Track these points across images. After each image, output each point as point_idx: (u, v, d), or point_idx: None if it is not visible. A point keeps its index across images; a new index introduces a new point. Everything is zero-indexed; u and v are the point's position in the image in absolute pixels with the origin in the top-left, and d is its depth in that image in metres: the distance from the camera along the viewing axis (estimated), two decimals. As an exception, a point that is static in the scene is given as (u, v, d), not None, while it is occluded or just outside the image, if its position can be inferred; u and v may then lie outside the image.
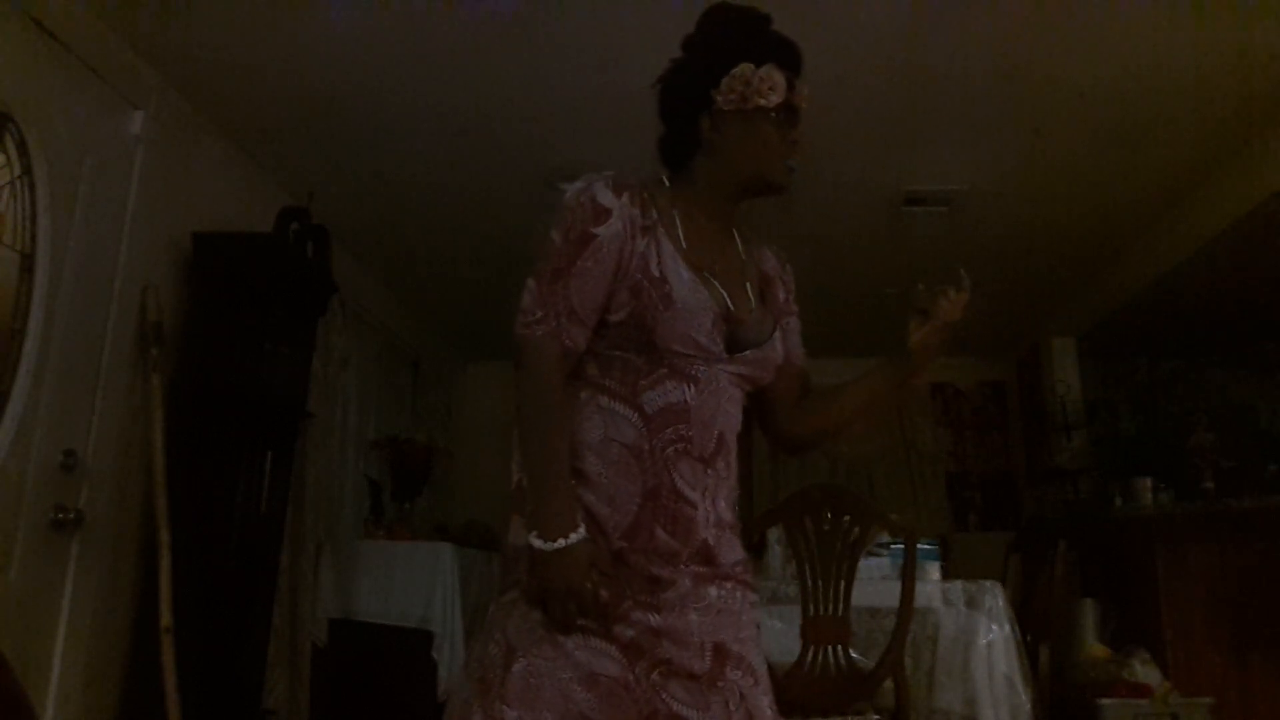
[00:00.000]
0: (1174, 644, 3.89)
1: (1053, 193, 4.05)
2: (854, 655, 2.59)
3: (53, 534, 2.67)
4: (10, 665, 1.84)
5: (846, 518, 2.62)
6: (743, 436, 1.47)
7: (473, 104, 3.33)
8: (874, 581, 3.09)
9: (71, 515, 2.70)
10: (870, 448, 6.53)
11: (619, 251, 1.35)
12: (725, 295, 1.41)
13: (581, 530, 1.27)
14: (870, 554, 3.16)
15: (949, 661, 2.95)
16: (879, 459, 6.54)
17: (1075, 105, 3.32)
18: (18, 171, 2.60)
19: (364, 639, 3.95)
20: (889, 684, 2.56)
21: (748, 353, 1.41)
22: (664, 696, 1.28)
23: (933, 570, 3.22)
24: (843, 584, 2.59)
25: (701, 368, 1.37)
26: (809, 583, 2.62)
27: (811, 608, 2.60)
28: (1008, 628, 2.97)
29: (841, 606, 2.58)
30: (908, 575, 2.62)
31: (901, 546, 2.78)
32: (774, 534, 3.41)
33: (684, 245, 1.40)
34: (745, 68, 1.42)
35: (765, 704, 1.35)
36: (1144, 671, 3.78)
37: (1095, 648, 4.06)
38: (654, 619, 1.30)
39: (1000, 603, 3.00)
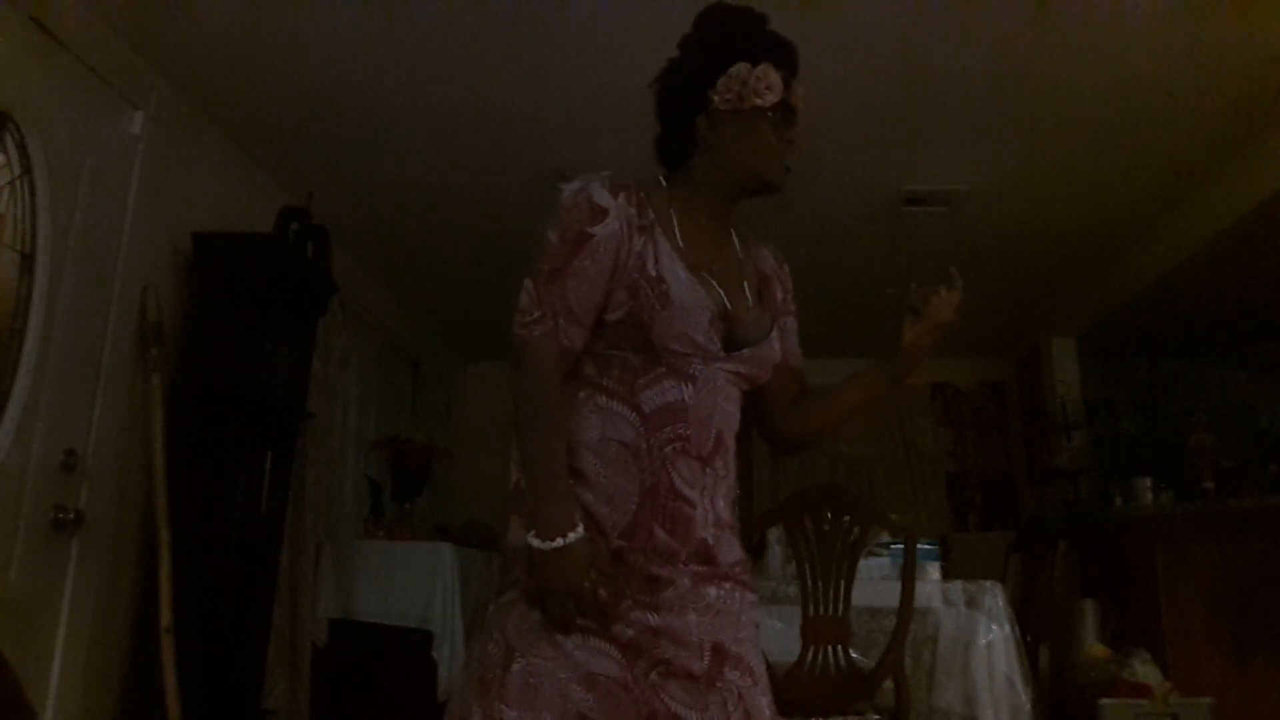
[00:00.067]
0: (1174, 644, 3.90)
1: (1053, 193, 4.05)
2: (854, 655, 2.59)
3: (53, 534, 2.67)
4: (10, 665, 1.84)
5: (846, 518, 2.62)
6: (743, 436, 1.47)
7: (473, 104, 3.33)
8: (874, 581, 3.09)
9: (71, 515, 2.70)
10: (870, 448, 6.53)
11: (616, 251, 1.36)
12: (722, 294, 1.41)
13: (580, 530, 1.27)
14: (870, 554, 3.16)
15: (949, 661, 2.95)
16: (879, 459, 6.54)
17: (1075, 105, 3.32)
18: (18, 171, 2.60)
19: (364, 639, 3.95)
20: (889, 684, 2.56)
21: (745, 351, 1.41)
22: (662, 696, 1.28)
23: (933, 570, 3.22)
24: (843, 584, 2.59)
25: (699, 366, 1.37)
26: (809, 583, 2.62)
27: (811, 608, 2.60)
28: (1008, 628, 2.97)
29: (841, 606, 2.58)
30: (908, 575, 2.62)
31: (901, 546, 2.78)
32: (774, 534, 3.41)
33: (681, 245, 1.40)
34: (742, 67, 1.42)
35: (763, 704, 1.35)
36: (1144, 671, 3.78)
37: (1095, 648, 4.06)
38: (653, 618, 1.30)
39: (1000, 603, 3.00)
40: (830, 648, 2.57)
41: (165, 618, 2.80)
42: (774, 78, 1.43)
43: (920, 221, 4.29)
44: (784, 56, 1.46)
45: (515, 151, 3.67)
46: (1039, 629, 3.26)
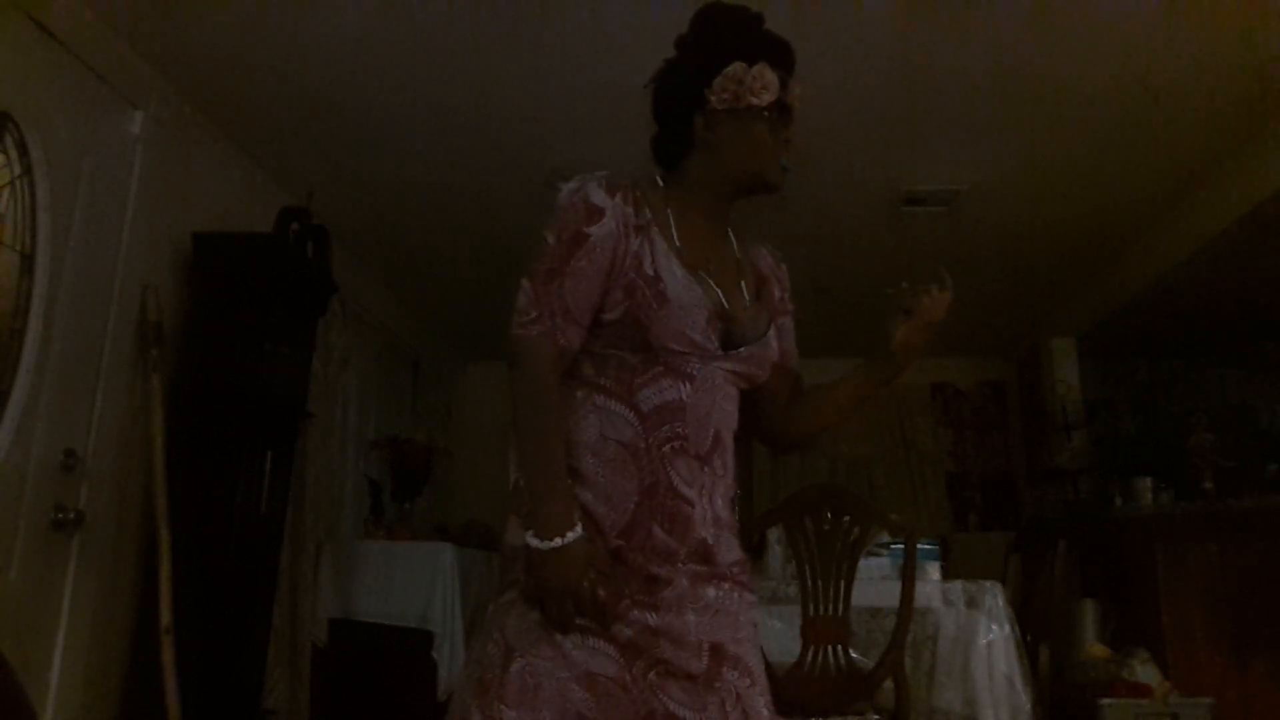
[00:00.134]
0: (1174, 644, 3.90)
1: (1053, 193, 4.05)
2: (854, 655, 2.59)
3: (53, 534, 2.67)
4: (10, 665, 1.84)
5: (846, 518, 2.62)
6: (742, 436, 1.47)
7: (472, 104, 3.33)
8: (874, 581, 3.09)
9: (71, 515, 2.70)
10: (870, 448, 6.53)
11: (613, 251, 1.36)
12: (719, 293, 1.41)
13: (578, 529, 1.27)
14: (870, 554, 3.16)
15: (949, 661, 2.95)
16: (879, 459, 6.54)
17: (1075, 105, 3.32)
18: (18, 171, 2.60)
19: (364, 639, 3.95)
20: (889, 684, 2.56)
21: (743, 350, 1.42)
22: (661, 697, 1.28)
23: (933, 570, 3.22)
24: (843, 584, 2.59)
25: (697, 365, 1.37)
26: (809, 583, 2.62)
27: (811, 608, 2.60)
28: (1008, 628, 2.97)
29: (841, 606, 2.58)
30: (908, 575, 2.62)
31: (901, 546, 2.78)
32: (774, 534, 3.41)
33: (678, 244, 1.40)
34: (738, 66, 1.42)
35: (761, 704, 1.35)
36: (1144, 671, 3.78)
37: (1095, 648, 4.06)
38: (652, 618, 1.30)
39: (1000, 603, 3.00)
40: (830, 648, 2.57)
41: (165, 618, 2.80)
42: (770, 77, 1.43)
43: (920, 221, 4.29)
44: (780, 56, 1.46)
45: (515, 151, 3.67)
46: (1039, 629, 3.26)
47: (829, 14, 2.78)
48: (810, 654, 2.57)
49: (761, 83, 1.42)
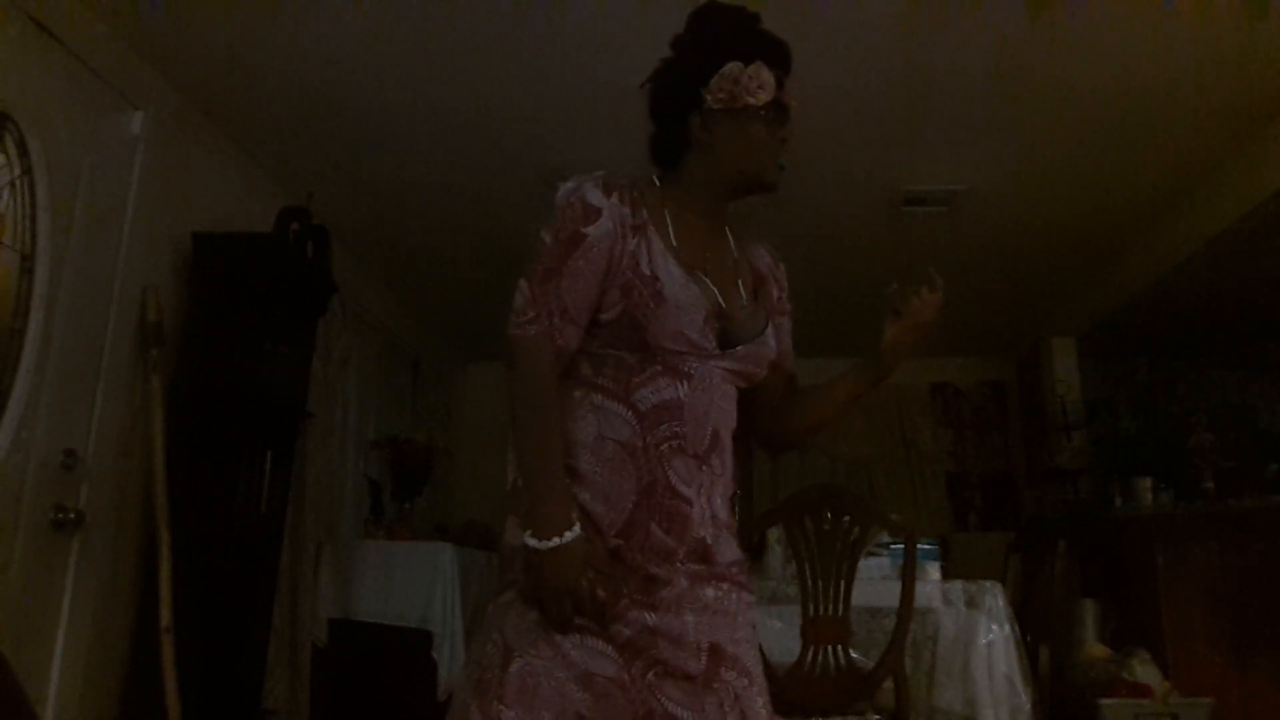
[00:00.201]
0: (1174, 644, 3.90)
1: (1053, 193, 4.05)
2: (854, 655, 2.58)
3: (53, 534, 2.67)
4: (10, 665, 1.84)
5: (846, 518, 2.62)
6: (742, 436, 1.47)
7: (472, 103, 3.33)
8: (874, 581, 3.09)
9: (71, 515, 2.70)
10: (870, 448, 6.53)
11: (610, 250, 1.36)
12: (716, 292, 1.41)
13: (576, 529, 1.28)
14: (870, 554, 3.16)
15: (949, 661, 2.95)
16: (879, 459, 6.54)
17: (1075, 105, 3.32)
18: (18, 171, 2.60)
19: (364, 639, 3.95)
20: (889, 684, 2.56)
21: (740, 348, 1.42)
22: (659, 697, 1.29)
23: (933, 570, 3.22)
24: (843, 584, 2.59)
25: (694, 364, 1.38)
26: (809, 583, 2.62)
27: (811, 608, 2.60)
28: (1008, 628, 2.97)
29: (841, 606, 2.58)
30: (908, 575, 2.62)
31: (901, 546, 2.78)
32: (774, 534, 3.41)
33: (675, 244, 1.41)
34: (734, 66, 1.42)
35: (759, 705, 1.35)
36: (1144, 671, 3.78)
37: (1095, 648, 4.06)
38: (650, 618, 1.30)
39: (1000, 603, 3.00)
40: (830, 648, 2.57)
41: (165, 618, 2.80)
42: (766, 76, 1.43)
43: (920, 221, 4.29)
44: (776, 55, 1.46)
45: (515, 151, 3.67)
46: (1039, 629, 3.26)
47: (829, 14, 2.78)
48: (810, 654, 2.57)
49: (758, 82, 1.42)
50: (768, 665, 2.36)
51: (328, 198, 3.73)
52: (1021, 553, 3.90)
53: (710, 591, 1.35)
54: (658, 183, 1.48)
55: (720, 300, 1.41)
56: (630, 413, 1.35)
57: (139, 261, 3.04)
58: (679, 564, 1.34)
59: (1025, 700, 2.90)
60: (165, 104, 3.15)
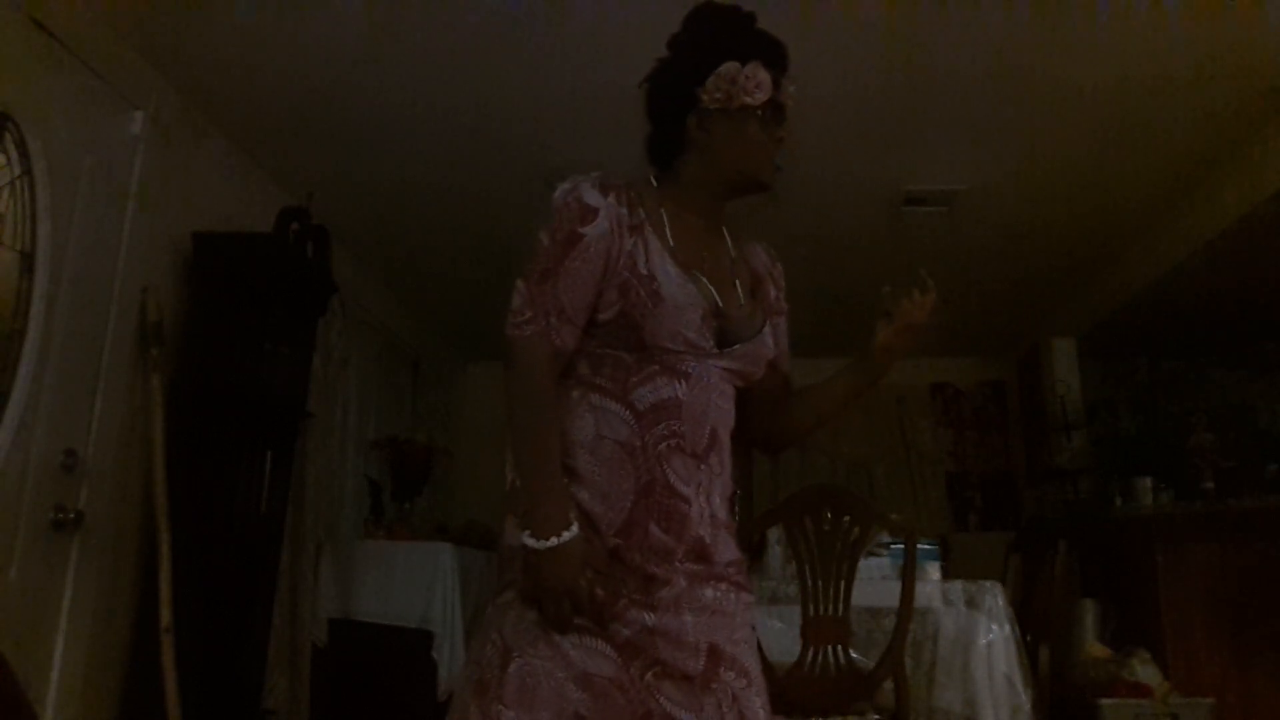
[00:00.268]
0: (1174, 644, 3.90)
1: (1053, 193, 4.05)
2: (854, 655, 2.58)
3: (53, 534, 2.67)
4: (10, 665, 1.84)
5: (846, 518, 2.61)
6: (740, 436, 1.47)
7: (473, 104, 3.33)
8: (874, 581, 3.09)
9: (71, 515, 2.70)
10: (870, 448, 6.53)
11: (606, 250, 1.36)
12: (714, 291, 1.42)
13: (574, 528, 1.28)
14: (870, 554, 3.15)
15: (949, 661, 2.95)
16: (879, 459, 6.54)
17: (1075, 105, 3.32)
18: (18, 171, 2.60)
19: (364, 639, 3.95)
20: (889, 684, 2.56)
21: (737, 347, 1.42)
22: (658, 697, 1.29)
23: (933, 570, 3.22)
24: (843, 584, 2.59)
25: (692, 363, 1.38)
26: (809, 583, 2.62)
27: (811, 608, 2.60)
28: (1008, 628, 2.97)
29: (841, 606, 2.58)
30: (908, 575, 2.62)
31: (901, 546, 2.78)
32: (774, 534, 3.41)
33: (671, 243, 1.41)
34: (730, 66, 1.42)
35: (757, 705, 1.35)
36: (1144, 671, 3.78)
37: (1095, 648, 4.06)
38: (649, 618, 1.31)
39: (1000, 603, 3.00)
40: (830, 648, 2.56)
41: (165, 618, 2.80)
42: (763, 76, 1.43)
43: (920, 221, 4.29)
44: (773, 55, 1.46)
45: (515, 151, 3.67)
46: (1039, 629, 3.25)
47: (829, 14, 2.78)
48: (810, 654, 2.57)
49: (754, 82, 1.42)
50: (768, 665, 2.36)
51: (328, 198, 3.72)
52: (1021, 553, 3.90)
53: (709, 592, 1.35)
54: (654, 183, 1.49)
55: (717, 299, 1.42)
56: (628, 412, 1.35)
57: (139, 261, 3.04)
58: (678, 563, 1.34)
59: (1025, 700, 2.90)
60: (165, 104, 3.15)
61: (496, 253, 4.48)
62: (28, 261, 2.63)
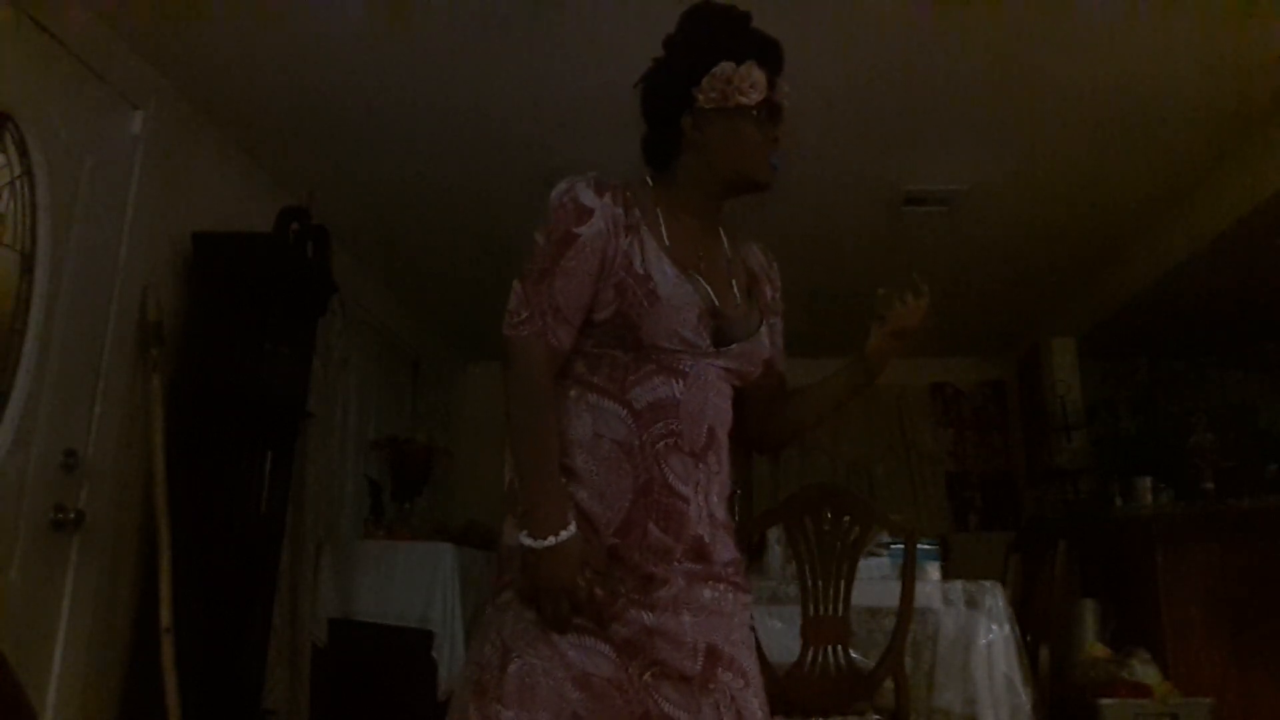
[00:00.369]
0: (1174, 644, 3.89)
1: (1053, 193, 4.05)
2: (854, 655, 2.58)
3: (53, 534, 2.67)
4: (10, 665, 1.84)
5: (846, 518, 2.61)
6: (736, 436, 1.47)
7: (473, 104, 3.33)
8: (874, 581, 3.09)
9: (71, 515, 2.70)
10: (870, 448, 6.53)
11: (603, 250, 1.37)
12: (710, 291, 1.42)
13: (572, 527, 1.28)
14: (870, 554, 3.15)
15: (949, 661, 2.95)
16: (879, 459, 6.54)
17: (1075, 105, 3.32)
18: (18, 171, 2.60)
19: (364, 639, 3.95)
20: (889, 684, 2.56)
21: (734, 346, 1.42)
22: (656, 697, 1.29)
23: (933, 570, 3.22)
24: (843, 584, 2.59)
25: (689, 362, 1.38)
26: (809, 583, 2.62)
27: (811, 608, 2.60)
28: (1008, 628, 2.97)
29: (841, 606, 2.58)
30: (908, 575, 2.62)
31: (901, 546, 2.78)
32: (774, 534, 3.41)
33: (668, 243, 1.42)
34: (726, 66, 1.43)
35: (755, 705, 1.35)
36: (1144, 671, 3.77)
37: (1095, 648, 4.06)
38: (648, 618, 1.31)
39: (1000, 603, 3.00)
40: (830, 648, 2.56)
41: (165, 618, 2.80)
42: (758, 76, 1.43)
43: (920, 221, 4.29)
44: (768, 54, 1.47)
45: (515, 151, 3.67)
46: (1039, 629, 3.26)
47: (829, 14, 2.78)
48: (810, 654, 2.57)
49: (749, 82, 1.43)
50: (767, 665, 2.36)
51: (328, 198, 3.72)
52: (1021, 553, 3.90)
53: (707, 592, 1.36)
54: (650, 183, 1.49)
55: (714, 299, 1.42)
56: (626, 411, 1.35)
57: (139, 261, 3.04)
58: (676, 563, 1.34)
59: (1025, 700, 2.90)
60: (165, 104, 3.15)
61: (496, 253, 4.48)
62: (28, 261, 2.63)
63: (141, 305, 3.04)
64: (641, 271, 1.37)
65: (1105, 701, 3.65)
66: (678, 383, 1.37)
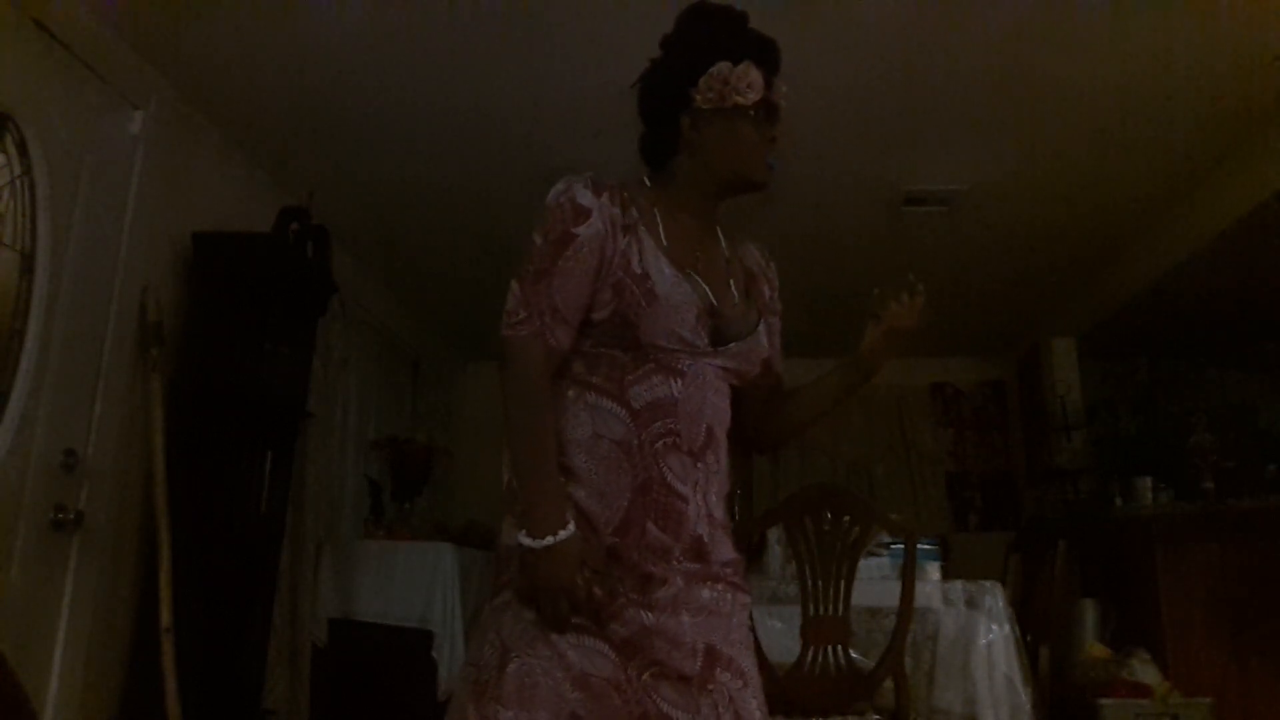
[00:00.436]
0: (1174, 644, 3.90)
1: (1053, 193, 4.05)
2: (854, 655, 2.58)
3: (53, 534, 2.67)
4: (10, 665, 1.84)
5: (846, 518, 2.61)
6: (735, 436, 1.48)
7: (473, 103, 3.33)
8: (874, 581, 3.09)
9: (71, 515, 2.70)
10: (870, 448, 6.53)
11: (600, 250, 1.37)
12: (708, 290, 1.42)
13: (571, 527, 1.28)
14: (870, 554, 3.15)
15: (949, 661, 2.95)
16: (879, 459, 6.54)
17: (1075, 105, 3.32)
18: (18, 171, 2.60)
19: (364, 639, 3.95)
20: (889, 684, 2.56)
21: (732, 345, 1.43)
22: (654, 698, 1.29)
23: (933, 570, 3.22)
24: (843, 584, 2.59)
25: (687, 362, 1.38)
26: (809, 583, 2.62)
27: (811, 608, 2.60)
28: (1008, 628, 2.97)
29: (841, 606, 2.58)
30: (908, 575, 2.62)
31: (901, 546, 2.78)
32: (774, 534, 3.41)
33: (665, 243, 1.42)
34: (723, 66, 1.43)
35: (754, 706, 1.35)
36: (1144, 671, 3.78)
37: (1095, 648, 4.06)
38: (647, 618, 1.31)
39: (1000, 603, 3.00)
40: (830, 648, 2.56)
41: (165, 618, 2.80)
42: (755, 76, 1.43)
43: (920, 221, 4.29)
44: (765, 54, 1.47)
45: (515, 151, 3.67)
46: (1039, 629, 3.26)
47: (829, 14, 2.78)
48: (810, 654, 2.57)
49: (746, 81, 1.43)
50: (767, 665, 2.36)
51: (328, 198, 3.73)
52: (1021, 553, 3.90)
53: (706, 592, 1.36)
54: (648, 183, 1.49)
55: (712, 298, 1.42)
56: (624, 410, 1.35)
57: (139, 261, 3.04)
58: (675, 562, 1.34)
59: (1025, 700, 2.90)
60: (165, 104, 3.15)
61: (496, 253, 4.47)
62: (28, 261, 2.63)
63: (141, 305, 3.04)
64: (639, 271, 1.37)
65: (1105, 701, 3.66)
66: (676, 382, 1.37)
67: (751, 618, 1.47)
